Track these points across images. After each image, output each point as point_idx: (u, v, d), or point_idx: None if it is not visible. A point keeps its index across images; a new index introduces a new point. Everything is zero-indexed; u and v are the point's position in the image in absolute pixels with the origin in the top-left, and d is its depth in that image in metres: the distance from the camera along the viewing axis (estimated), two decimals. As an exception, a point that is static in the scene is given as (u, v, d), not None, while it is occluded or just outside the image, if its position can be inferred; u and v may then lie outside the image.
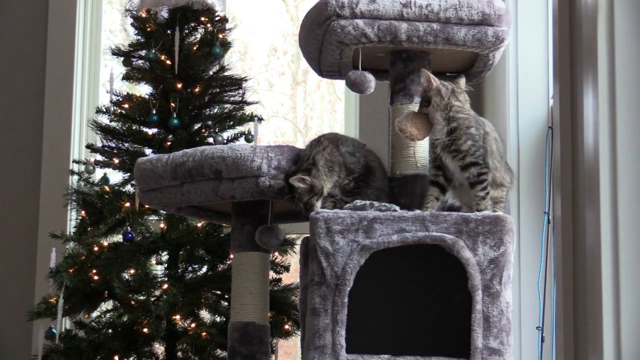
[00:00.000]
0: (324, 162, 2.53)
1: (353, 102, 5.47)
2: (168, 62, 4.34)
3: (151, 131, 4.35)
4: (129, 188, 4.28)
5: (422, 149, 2.60)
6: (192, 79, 4.37)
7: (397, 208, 2.40)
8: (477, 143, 2.45)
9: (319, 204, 2.51)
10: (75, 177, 4.42)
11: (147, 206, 3.71)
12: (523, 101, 4.09)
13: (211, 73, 4.45)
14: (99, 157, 4.38)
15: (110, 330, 4.13)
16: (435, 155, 2.48)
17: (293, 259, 4.27)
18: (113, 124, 4.35)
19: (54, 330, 4.13)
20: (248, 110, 4.48)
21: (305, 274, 2.53)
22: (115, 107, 4.36)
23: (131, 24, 4.45)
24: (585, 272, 3.02)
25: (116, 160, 4.31)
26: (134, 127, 4.35)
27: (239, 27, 5.20)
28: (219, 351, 4.11)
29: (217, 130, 4.35)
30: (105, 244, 4.22)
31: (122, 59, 4.44)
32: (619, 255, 2.78)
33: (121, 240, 4.16)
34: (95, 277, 4.08)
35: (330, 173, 2.53)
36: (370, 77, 2.53)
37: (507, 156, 4.06)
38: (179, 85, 4.32)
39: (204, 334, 4.04)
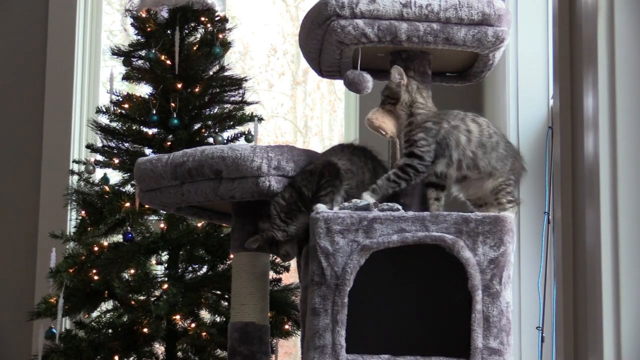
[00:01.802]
0: (280, 209, 2.54)
1: (353, 102, 5.48)
2: (168, 62, 4.34)
3: (151, 131, 4.36)
4: (129, 188, 4.28)
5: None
6: (192, 79, 4.37)
7: (400, 208, 2.40)
8: (429, 138, 2.47)
9: (286, 248, 2.58)
10: (75, 177, 4.42)
11: (147, 206, 3.71)
12: (523, 101, 4.09)
13: (211, 73, 4.45)
14: (99, 157, 4.38)
15: (110, 330, 4.13)
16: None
17: (293, 259, 4.27)
18: (113, 124, 4.35)
19: (54, 330, 4.13)
20: (248, 110, 4.48)
21: (305, 274, 2.53)
22: (115, 107, 4.36)
23: (131, 24, 4.45)
24: (585, 272, 3.02)
25: (116, 160, 4.31)
26: (134, 127, 4.35)
27: (239, 27, 5.20)
28: (219, 351, 4.12)
29: (217, 130, 4.35)
30: (105, 244, 4.22)
31: (122, 59, 4.44)
32: (619, 255, 2.78)
33: (121, 240, 4.16)
34: (95, 277, 4.08)
35: (290, 215, 2.54)
36: (368, 77, 2.53)
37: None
38: (179, 85, 4.32)
39: (204, 334, 4.04)
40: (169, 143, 4.24)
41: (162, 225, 4.17)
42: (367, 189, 2.46)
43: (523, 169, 2.58)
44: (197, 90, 4.34)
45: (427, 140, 2.47)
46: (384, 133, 2.55)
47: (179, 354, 4.15)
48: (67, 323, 4.60)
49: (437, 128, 2.48)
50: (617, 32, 2.83)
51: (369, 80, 2.53)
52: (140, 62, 4.44)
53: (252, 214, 2.71)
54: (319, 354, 2.28)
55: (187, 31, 4.46)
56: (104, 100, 5.19)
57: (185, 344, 4.12)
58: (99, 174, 4.42)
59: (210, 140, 4.30)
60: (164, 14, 4.43)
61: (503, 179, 2.50)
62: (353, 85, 2.53)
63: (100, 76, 5.56)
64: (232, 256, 2.92)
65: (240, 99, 4.47)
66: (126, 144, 4.35)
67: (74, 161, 4.74)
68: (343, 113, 5.73)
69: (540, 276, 3.60)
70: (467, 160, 2.47)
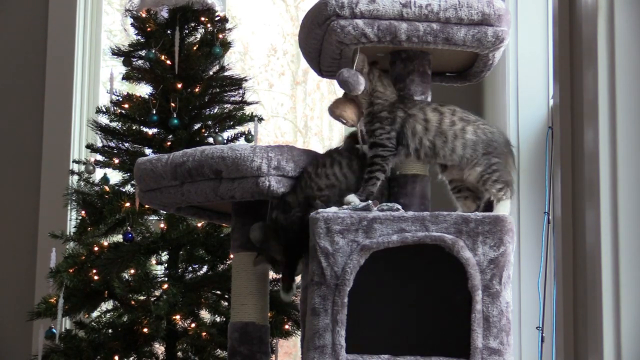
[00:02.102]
0: (272, 234, 2.58)
1: (353, 102, 5.46)
2: (168, 62, 4.34)
3: (151, 131, 4.35)
4: (129, 188, 4.28)
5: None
6: (192, 79, 4.37)
7: (400, 207, 2.40)
8: (385, 126, 2.51)
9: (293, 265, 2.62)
10: (75, 177, 4.42)
11: (147, 206, 3.71)
12: (523, 101, 4.09)
13: (211, 73, 4.45)
14: (99, 157, 4.37)
15: (110, 330, 4.13)
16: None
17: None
18: (113, 124, 4.35)
19: (54, 330, 4.12)
20: (248, 110, 4.48)
21: (305, 273, 2.53)
22: (115, 107, 4.36)
23: (131, 24, 4.45)
24: (585, 272, 3.02)
25: (116, 160, 4.31)
26: (134, 127, 4.35)
27: (239, 27, 5.20)
28: (219, 351, 4.11)
29: (217, 130, 4.34)
30: (105, 244, 4.21)
31: (122, 59, 4.44)
32: (619, 255, 2.78)
33: (121, 240, 4.15)
34: (95, 277, 4.08)
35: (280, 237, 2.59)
36: (361, 79, 2.52)
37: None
38: (179, 85, 4.32)
39: (204, 334, 4.04)
40: (169, 143, 4.24)
41: (162, 225, 4.17)
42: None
43: (507, 145, 2.55)
44: (197, 90, 4.34)
45: (384, 128, 2.52)
46: (344, 121, 2.60)
47: (179, 354, 4.15)
48: (67, 323, 4.60)
49: (392, 117, 2.52)
50: (617, 32, 2.83)
51: (361, 83, 2.52)
52: (140, 62, 4.43)
53: (252, 214, 2.71)
54: (319, 354, 2.28)
55: (187, 31, 4.46)
56: (104, 100, 5.19)
57: (185, 344, 4.12)
58: (99, 174, 4.42)
59: (210, 140, 4.30)
60: (164, 14, 4.43)
61: (482, 168, 2.49)
62: (345, 84, 2.53)
63: (100, 76, 5.56)
64: (232, 256, 2.92)
65: (240, 99, 4.47)
66: (126, 144, 4.35)
67: (74, 161, 4.74)
68: (343, 113, 5.71)
69: (540, 276, 3.60)
70: (425, 150, 2.50)
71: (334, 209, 2.40)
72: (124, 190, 4.25)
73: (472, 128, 2.51)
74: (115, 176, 4.41)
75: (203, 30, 4.47)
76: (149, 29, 4.38)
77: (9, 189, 5.40)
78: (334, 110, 2.60)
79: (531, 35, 4.15)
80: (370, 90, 2.56)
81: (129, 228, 4.12)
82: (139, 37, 4.42)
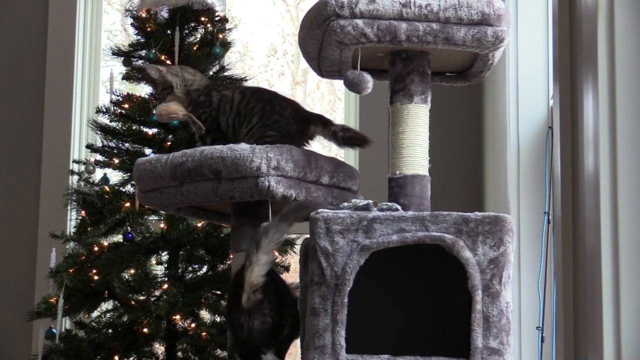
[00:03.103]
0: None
1: (353, 102, 5.47)
2: (168, 62, 4.34)
3: (151, 131, 4.36)
4: (129, 188, 4.28)
5: (422, 149, 2.59)
6: (192, 79, 4.36)
7: (399, 207, 2.40)
8: (206, 109, 2.72)
9: None
10: (75, 177, 4.42)
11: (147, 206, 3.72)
12: (523, 101, 4.09)
13: (211, 73, 4.45)
14: (99, 157, 4.38)
15: (110, 330, 4.13)
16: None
17: (293, 259, 4.28)
18: (113, 124, 4.36)
19: (54, 330, 4.13)
20: (248, 110, 4.47)
21: (305, 274, 2.53)
22: (115, 107, 4.36)
23: (131, 24, 4.45)
24: (585, 272, 3.02)
25: (116, 160, 4.31)
26: (134, 127, 4.35)
27: (239, 27, 5.20)
28: (219, 351, 4.12)
29: (217, 130, 4.34)
30: (105, 244, 4.22)
31: (122, 59, 4.44)
32: (619, 255, 2.78)
33: (121, 240, 4.16)
34: (95, 277, 4.08)
35: None
36: (368, 77, 2.52)
37: (507, 156, 4.07)
38: (179, 85, 4.32)
39: (204, 334, 4.04)
40: (169, 143, 4.24)
41: (162, 225, 4.17)
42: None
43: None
44: (197, 90, 4.34)
45: (206, 112, 2.72)
46: (175, 116, 2.77)
47: (179, 354, 4.15)
48: (67, 323, 4.60)
49: (209, 98, 2.72)
50: (617, 32, 2.83)
51: (369, 81, 2.53)
52: (140, 62, 4.44)
53: (251, 214, 2.70)
54: (318, 354, 2.28)
55: (187, 31, 4.46)
56: (104, 100, 5.19)
57: (185, 344, 4.12)
58: (99, 174, 4.42)
59: (210, 140, 4.30)
60: (164, 14, 4.43)
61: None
62: (353, 86, 2.53)
63: (100, 76, 5.56)
64: (232, 256, 2.92)
65: (240, 99, 4.47)
66: (126, 144, 4.35)
67: (74, 161, 4.74)
68: (343, 113, 5.72)
69: (540, 276, 3.60)
70: (230, 130, 2.69)
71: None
72: (124, 190, 4.25)
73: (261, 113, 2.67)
74: (115, 176, 4.41)
75: (203, 30, 4.47)
76: (149, 29, 4.38)
77: (9, 189, 5.40)
78: (162, 115, 2.76)
79: (531, 35, 4.15)
80: (181, 83, 2.76)
81: (129, 228, 4.12)
82: (139, 37, 4.42)
